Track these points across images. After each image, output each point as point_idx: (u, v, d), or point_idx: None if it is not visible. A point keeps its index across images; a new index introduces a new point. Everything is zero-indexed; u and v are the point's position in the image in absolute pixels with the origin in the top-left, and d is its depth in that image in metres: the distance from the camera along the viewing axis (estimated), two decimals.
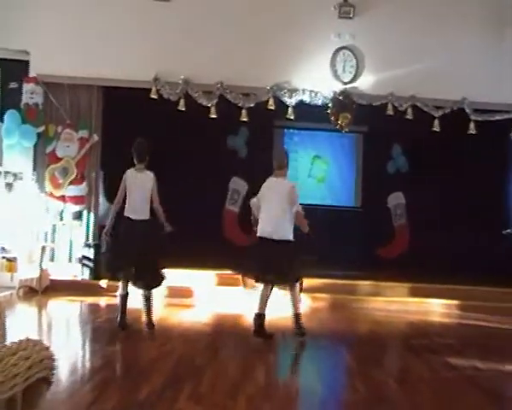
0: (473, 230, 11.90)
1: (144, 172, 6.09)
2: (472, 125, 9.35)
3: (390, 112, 9.18)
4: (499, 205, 11.57)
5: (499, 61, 9.17)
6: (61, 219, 8.84)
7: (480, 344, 6.25)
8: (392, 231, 11.88)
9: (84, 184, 8.88)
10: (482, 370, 5.05)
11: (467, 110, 9.26)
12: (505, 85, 9.19)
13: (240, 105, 9.08)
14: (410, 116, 9.21)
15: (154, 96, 8.90)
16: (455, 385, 4.56)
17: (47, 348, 2.32)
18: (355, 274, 9.74)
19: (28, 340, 2.29)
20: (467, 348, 5.95)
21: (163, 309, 7.44)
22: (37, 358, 2.21)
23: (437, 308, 8.39)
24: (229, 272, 8.91)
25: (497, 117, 9.36)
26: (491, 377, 4.84)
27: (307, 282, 8.60)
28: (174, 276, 8.59)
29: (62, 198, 8.78)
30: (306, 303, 8.15)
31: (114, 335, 5.73)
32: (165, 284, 6.21)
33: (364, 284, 8.99)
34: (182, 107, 9.03)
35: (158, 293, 8.14)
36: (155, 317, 6.08)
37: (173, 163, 11.24)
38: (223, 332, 6.19)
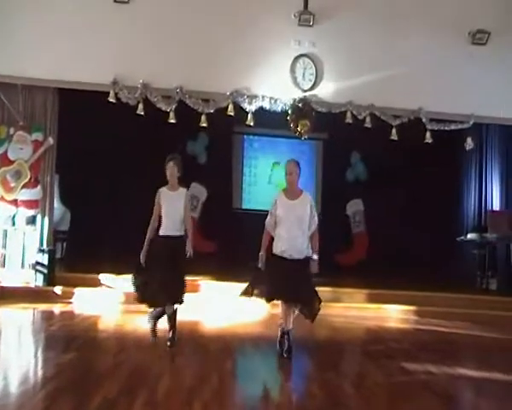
0: (429, 237, 12.15)
1: (178, 189, 5.86)
2: (428, 135, 9.58)
3: (349, 120, 9.32)
4: (455, 212, 11.85)
5: (456, 72, 9.42)
6: (13, 223, 8.60)
7: (435, 349, 6.35)
8: (350, 238, 12.02)
9: (39, 187, 8.67)
10: (436, 374, 5.12)
11: (423, 119, 9.49)
12: (461, 96, 9.46)
13: (199, 110, 9.06)
14: (368, 124, 9.37)
15: (112, 99, 8.78)
16: (409, 389, 4.61)
17: None
18: (314, 280, 9.74)
19: None
20: (422, 353, 6.03)
21: (119, 316, 7.31)
22: None
23: (394, 314, 8.49)
24: (187, 277, 8.86)
25: (453, 127, 9.63)
26: (443, 381, 4.91)
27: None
28: (131, 282, 8.48)
29: (14, 202, 8.56)
30: (265, 309, 8.15)
31: (68, 343, 5.58)
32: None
33: (323, 290, 8.95)
34: (140, 111, 8.94)
35: (114, 299, 8.07)
36: (112, 323, 5.94)
37: (131, 168, 11.09)
38: (179, 339, 6.09)
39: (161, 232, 5.73)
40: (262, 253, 5.61)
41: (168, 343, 5.57)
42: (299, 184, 5.71)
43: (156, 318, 5.77)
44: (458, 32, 9.49)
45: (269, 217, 5.70)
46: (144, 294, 5.66)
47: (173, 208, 5.71)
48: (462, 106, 9.54)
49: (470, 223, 11.29)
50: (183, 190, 5.85)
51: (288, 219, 5.48)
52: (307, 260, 5.51)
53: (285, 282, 5.35)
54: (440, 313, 8.45)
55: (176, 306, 5.72)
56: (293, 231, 5.45)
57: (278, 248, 5.49)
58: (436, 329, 7.70)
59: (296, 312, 5.60)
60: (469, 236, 10.49)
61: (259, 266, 5.58)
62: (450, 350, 6.45)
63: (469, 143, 9.96)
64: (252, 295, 5.68)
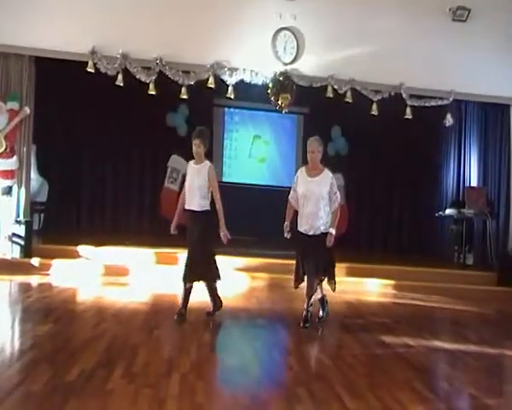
0: (408, 212, 12.31)
1: (202, 163, 5.69)
2: (408, 110, 9.60)
3: (330, 94, 9.29)
4: (434, 188, 11.97)
5: (437, 48, 9.40)
6: None
7: (413, 323, 6.46)
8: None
9: (15, 157, 8.50)
10: (413, 346, 5.21)
11: (403, 95, 9.49)
12: (441, 73, 9.47)
13: (179, 82, 8.94)
14: (349, 99, 9.34)
15: (90, 69, 8.62)
16: (386, 361, 4.68)
17: None
18: (293, 254, 9.81)
19: None
20: (400, 327, 6.12)
21: (98, 288, 7.27)
22: None
23: (373, 288, 8.58)
24: (167, 250, 8.85)
25: (433, 103, 9.65)
26: (420, 354, 5.00)
27: (246, 262, 8.69)
28: (110, 254, 8.45)
29: None
30: (245, 282, 8.20)
31: (46, 315, 5.53)
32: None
33: None
34: (120, 82, 8.80)
35: (93, 271, 8.03)
36: (91, 296, 5.90)
37: (111, 139, 10.97)
38: (158, 311, 6.09)
39: (185, 206, 5.74)
40: (286, 223, 5.77)
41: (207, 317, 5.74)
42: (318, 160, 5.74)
43: (185, 292, 5.71)
44: (439, 9, 9.46)
45: (291, 192, 5.87)
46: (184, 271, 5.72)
47: (192, 182, 5.66)
48: (443, 82, 9.56)
49: (449, 199, 11.41)
50: (205, 164, 5.68)
51: (306, 195, 5.65)
52: (325, 235, 5.63)
53: (307, 261, 5.67)
54: (418, 287, 8.57)
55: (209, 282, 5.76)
56: (311, 207, 5.63)
57: (299, 224, 5.74)
58: (414, 303, 7.82)
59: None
60: (447, 211, 10.60)
61: (285, 235, 5.70)
62: (427, 323, 6.57)
63: (449, 120, 10.02)
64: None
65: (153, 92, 8.94)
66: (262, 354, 5.01)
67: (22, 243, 8.32)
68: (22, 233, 8.34)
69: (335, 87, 9.28)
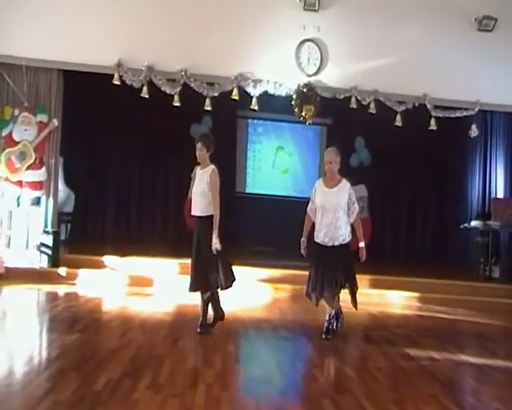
0: (433, 223, 12.18)
1: (205, 167, 5.61)
2: (433, 121, 9.54)
3: (353, 105, 9.27)
4: (459, 200, 11.84)
5: (461, 58, 9.35)
6: (18, 204, 8.62)
7: (438, 336, 6.38)
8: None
9: (43, 169, 8.68)
10: (438, 360, 5.16)
11: (428, 106, 9.43)
12: (466, 83, 9.40)
13: (204, 94, 9.02)
14: (373, 110, 9.33)
15: (116, 82, 8.75)
16: (411, 375, 4.64)
17: None
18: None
19: None
20: (424, 340, 6.06)
21: (123, 298, 7.35)
22: None
23: (397, 300, 8.51)
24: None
25: (458, 114, 9.58)
26: (445, 367, 4.95)
27: (269, 273, 8.69)
28: (135, 264, 8.54)
29: (19, 183, 8.56)
30: (268, 293, 8.21)
31: (72, 324, 5.61)
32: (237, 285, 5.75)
33: None
34: (145, 94, 8.91)
35: (118, 281, 8.12)
36: (116, 306, 5.97)
37: (136, 151, 11.10)
38: (183, 322, 6.13)
39: (191, 212, 5.70)
40: (303, 239, 5.77)
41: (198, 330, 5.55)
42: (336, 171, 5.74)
43: (204, 301, 5.65)
44: (464, 19, 9.39)
45: (310, 204, 5.86)
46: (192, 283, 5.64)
47: (195, 187, 5.62)
48: (468, 93, 9.48)
49: (474, 210, 11.28)
50: (209, 168, 5.56)
51: (324, 206, 5.63)
52: (344, 246, 5.63)
53: (321, 279, 5.58)
54: (443, 300, 8.48)
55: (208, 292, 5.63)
56: (329, 218, 5.60)
57: (315, 235, 5.71)
58: (439, 316, 7.74)
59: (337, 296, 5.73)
60: (473, 223, 10.48)
61: (302, 251, 5.71)
62: (452, 337, 6.48)
63: (474, 131, 9.92)
64: (311, 298, 5.77)
65: (177, 104, 9.04)
66: (286, 365, 5.01)
67: (50, 252, 8.46)
68: (50, 243, 8.49)
69: (359, 98, 9.27)
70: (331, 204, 5.60)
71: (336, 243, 5.62)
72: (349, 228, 5.70)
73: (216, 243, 5.36)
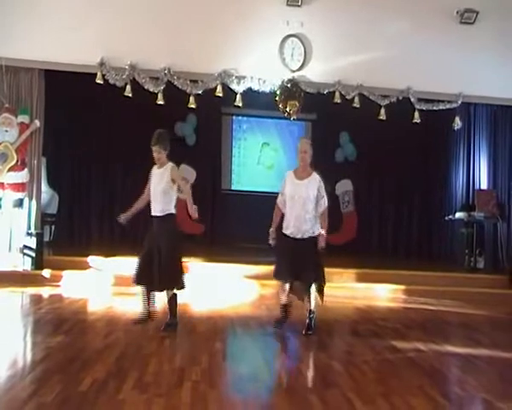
0: (417, 216, 12.27)
1: (163, 166, 5.63)
2: (417, 115, 9.57)
3: (338, 100, 9.29)
4: (443, 192, 11.94)
5: (444, 51, 9.39)
6: (0, 207, 8.52)
7: (424, 327, 6.43)
8: (340, 218, 12.05)
9: (25, 170, 8.58)
10: (424, 351, 5.19)
11: (412, 99, 9.47)
12: (449, 76, 9.45)
13: (188, 92, 8.98)
14: (357, 104, 9.34)
15: (99, 81, 8.69)
16: (397, 366, 4.66)
17: None
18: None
19: None
20: (410, 332, 6.10)
21: (108, 299, 7.30)
22: None
23: (383, 293, 8.55)
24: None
25: (441, 106, 9.62)
26: (431, 358, 4.98)
27: (256, 269, 8.68)
28: (121, 264, 8.48)
29: (1, 185, 8.47)
30: (255, 290, 8.20)
31: (57, 326, 5.56)
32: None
33: None
34: (128, 93, 8.86)
35: (103, 282, 8.06)
36: (102, 306, 5.92)
37: (120, 150, 11.03)
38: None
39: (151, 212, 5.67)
40: (272, 229, 5.72)
41: (162, 327, 5.52)
42: (308, 163, 5.77)
43: (145, 297, 5.64)
44: (446, 12, 9.44)
45: (279, 195, 5.81)
46: (138, 275, 5.59)
47: (154, 186, 5.61)
48: (451, 85, 9.53)
49: (458, 202, 11.36)
50: (167, 166, 5.61)
51: (293, 198, 5.60)
52: (311, 239, 5.59)
53: (289, 263, 5.53)
54: (429, 292, 8.54)
55: (173, 291, 5.61)
56: (297, 210, 5.57)
57: (284, 226, 5.68)
58: (424, 307, 7.78)
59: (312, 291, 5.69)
60: (457, 215, 10.55)
61: (270, 242, 5.67)
62: (438, 328, 6.54)
63: (457, 123, 10.00)
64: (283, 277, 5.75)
65: (161, 102, 9.00)
66: (273, 361, 5.01)
67: (33, 254, 8.37)
68: (33, 245, 8.40)
69: (343, 93, 9.28)
70: (300, 196, 5.58)
71: (305, 236, 5.59)
72: (318, 221, 5.66)
73: (195, 209, 5.42)
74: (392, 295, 8.48)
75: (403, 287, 8.63)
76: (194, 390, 3.79)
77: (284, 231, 5.68)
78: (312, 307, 5.70)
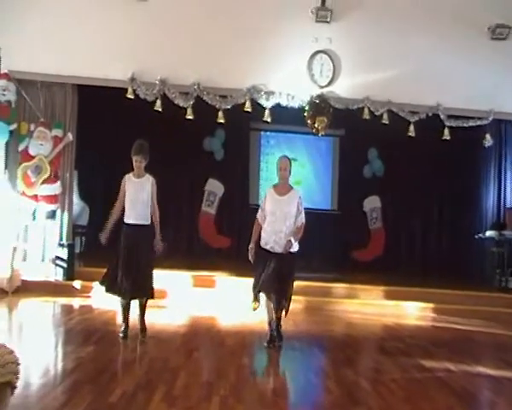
0: (447, 234, 12.10)
1: (143, 177, 5.83)
2: (446, 131, 9.47)
3: (366, 116, 9.25)
4: (473, 210, 11.76)
5: (474, 66, 9.30)
6: (34, 218, 8.71)
7: (453, 347, 6.33)
8: (367, 235, 11.99)
9: (58, 183, 8.76)
10: (453, 372, 5.11)
11: (441, 116, 9.37)
12: (478, 92, 9.32)
13: (217, 107, 9.06)
14: (386, 121, 9.29)
15: (130, 96, 8.83)
16: (426, 386, 4.60)
17: (11, 352, 2.24)
18: (331, 277, 9.80)
19: None
20: (439, 351, 6.02)
21: (137, 310, 7.35)
22: (1, 362, 2.13)
23: (411, 311, 8.45)
24: (204, 273, 8.96)
25: (471, 123, 9.49)
26: (461, 379, 4.89)
27: None
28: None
29: (35, 197, 8.65)
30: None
31: (87, 337, 5.65)
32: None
33: (340, 286, 9.03)
34: (158, 107, 8.98)
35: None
36: (130, 318, 5.98)
37: (149, 164, 11.15)
38: (197, 334, 6.14)
39: (125, 220, 5.77)
40: (252, 245, 5.77)
41: (141, 337, 5.62)
42: (289, 180, 5.88)
43: (124, 308, 5.73)
44: (477, 28, 9.34)
45: (259, 211, 5.91)
46: (110, 284, 5.71)
47: (135, 196, 5.71)
48: (481, 102, 9.40)
49: (489, 220, 11.17)
50: (148, 178, 5.81)
51: (274, 213, 5.70)
52: (291, 255, 5.66)
53: (265, 275, 5.55)
54: (458, 311, 8.40)
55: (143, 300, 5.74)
56: (278, 225, 5.65)
57: (263, 241, 5.73)
58: (454, 327, 7.67)
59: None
60: (488, 233, 10.39)
61: (250, 259, 5.73)
62: (468, 348, 6.42)
63: (488, 140, 9.83)
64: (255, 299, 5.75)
65: (190, 117, 9.09)
66: (300, 377, 4.99)
67: (65, 265, 8.52)
68: (65, 256, 8.54)
69: (372, 109, 9.25)
70: (282, 212, 5.67)
71: (284, 251, 5.61)
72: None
73: (162, 245, 5.73)
74: (421, 314, 8.38)
75: (432, 305, 8.52)
76: (222, 405, 3.80)
77: (264, 246, 5.73)
78: (274, 317, 5.69)
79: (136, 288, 5.60)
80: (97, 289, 8.16)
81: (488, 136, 9.79)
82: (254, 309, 5.75)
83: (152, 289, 5.73)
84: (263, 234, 5.76)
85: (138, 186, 5.75)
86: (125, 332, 5.65)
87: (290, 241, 5.58)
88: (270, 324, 5.74)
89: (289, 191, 5.80)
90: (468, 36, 9.36)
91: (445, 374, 4.99)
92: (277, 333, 5.69)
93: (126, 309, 5.73)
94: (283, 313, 5.70)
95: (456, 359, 5.59)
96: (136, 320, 5.80)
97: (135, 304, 5.82)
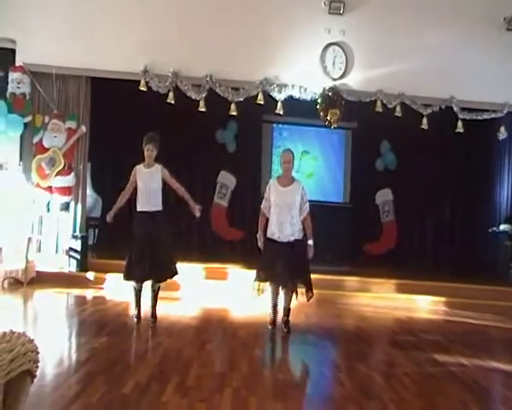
0: (460, 227, 12.03)
1: (153, 166, 6.11)
2: (460, 124, 9.41)
3: (379, 109, 9.21)
4: (486, 203, 11.67)
5: (488, 59, 9.22)
6: (48, 210, 8.78)
7: (466, 341, 6.29)
8: (379, 228, 11.95)
9: (72, 175, 8.83)
10: (466, 366, 5.09)
11: (455, 109, 9.31)
12: (493, 85, 9.25)
13: (229, 99, 9.07)
14: (398, 113, 9.25)
15: (143, 88, 8.86)
16: (439, 381, 4.59)
17: (31, 341, 2.26)
18: (342, 270, 9.80)
19: (12, 332, 2.24)
20: (452, 345, 5.99)
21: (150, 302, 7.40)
22: (21, 350, 2.16)
23: (423, 305, 8.43)
24: (216, 265, 8.99)
25: (485, 116, 9.43)
26: (474, 373, 4.87)
27: None
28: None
29: (49, 189, 8.73)
30: (293, 298, 8.18)
31: (100, 328, 5.70)
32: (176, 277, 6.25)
33: (352, 279, 9.02)
34: (171, 100, 9.00)
35: (144, 285, 8.18)
36: (143, 310, 6.05)
37: (162, 155, 11.18)
38: (209, 326, 6.17)
39: (138, 208, 6.04)
40: (260, 233, 6.02)
41: (151, 323, 5.87)
42: (292, 172, 6.10)
43: (137, 294, 6.00)
44: (493, 18, 9.24)
45: (264, 201, 6.10)
46: (126, 271, 5.99)
47: (146, 185, 5.96)
48: (496, 94, 9.32)
49: (503, 214, 11.09)
50: (157, 167, 6.06)
51: (279, 204, 5.90)
52: (297, 242, 5.87)
53: (277, 269, 5.79)
54: (471, 305, 8.35)
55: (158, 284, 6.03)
56: (283, 215, 5.87)
57: (269, 231, 5.95)
58: (467, 321, 7.64)
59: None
60: (502, 227, 10.32)
61: (259, 245, 5.98)
62: (481, 342, 6.39)
63: (502, 133, 9.74)
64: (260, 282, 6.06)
65: (203, 109, 9.11)
66: (312, 370, 5.01)
67: (78, 257, 8.59)
68: (78, 248, 8.62)
69: (384, 102, 9.21)
70: (285, 203, 5.88)
71: (291, 239, 5.83)
72: (301, 225, 5.94)
73: (198, 207, 6.07)
74: (433, 307, 8.35)
75: (444, 299, 8.49)
76: (234, 396, 3.83)
77: (271, 236, 5.94)
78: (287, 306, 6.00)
79: (154, 271, 5.87)
80: (110, 280, 8.27)
81: (503, 128, 9.70)
82: (259, 295, 6.05)
83: (174, 269, 6.04)
84: (269, 225, 5.98)
85: (149, 176, 6.01)
86: (139, 316, 5.94)
87: (310, 246, 5.87)
88: (274, 307, 6.00)
89: (292, 183, 6.00)
90: (482, 27, 9.26)
91: (457, 368, 4.98)
92: (285, 324, 5.95)
93: (138, 295, 5.99)
94: (306, 299, 6.02)
95: (468, 353, 5.58)
96: (147, 312, 5.90)
97: (147, 295, 5.91)
